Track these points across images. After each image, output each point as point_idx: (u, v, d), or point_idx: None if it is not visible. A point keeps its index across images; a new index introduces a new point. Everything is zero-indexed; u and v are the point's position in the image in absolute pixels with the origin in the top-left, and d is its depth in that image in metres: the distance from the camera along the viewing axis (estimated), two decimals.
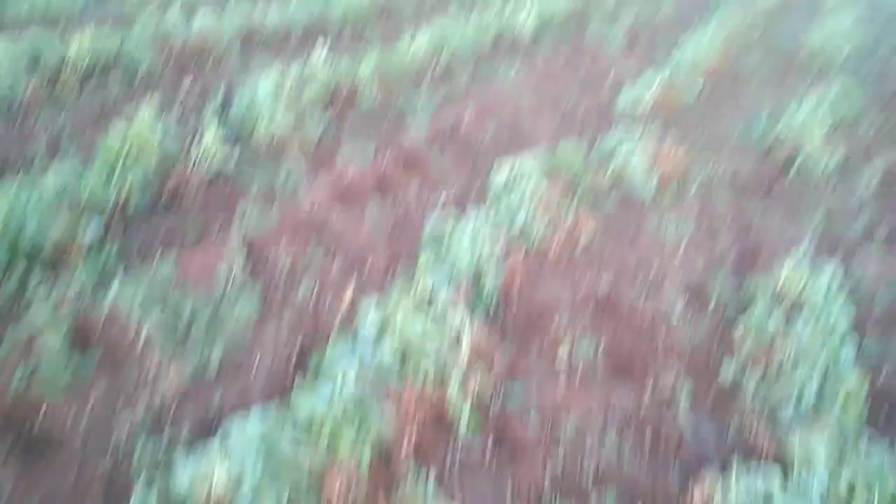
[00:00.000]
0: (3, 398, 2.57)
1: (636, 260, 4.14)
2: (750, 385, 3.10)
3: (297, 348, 3.14)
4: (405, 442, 2.62)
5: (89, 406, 2.67)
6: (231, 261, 3.46)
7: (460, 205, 4.40)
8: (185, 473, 2.25)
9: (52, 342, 2.74)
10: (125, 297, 3.06)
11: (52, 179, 3.71)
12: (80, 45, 5.36)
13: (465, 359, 2.91)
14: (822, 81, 7.68)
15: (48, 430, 2.57)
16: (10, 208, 3.32)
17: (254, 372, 2.98)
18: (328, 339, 3.14)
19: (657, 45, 8.73)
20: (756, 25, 10.87)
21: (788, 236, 4.54)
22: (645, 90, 6.52)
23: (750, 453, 2.76)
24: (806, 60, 8.74)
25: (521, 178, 4.52)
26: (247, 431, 2.37)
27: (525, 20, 8.08)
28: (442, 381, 2.83)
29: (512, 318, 3.48)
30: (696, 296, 3.90)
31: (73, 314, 2.94)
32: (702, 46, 8.12)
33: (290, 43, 6.83)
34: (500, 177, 4.57)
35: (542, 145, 5.16)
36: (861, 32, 10.01)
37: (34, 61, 5.19)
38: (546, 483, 2.67)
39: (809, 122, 6.09)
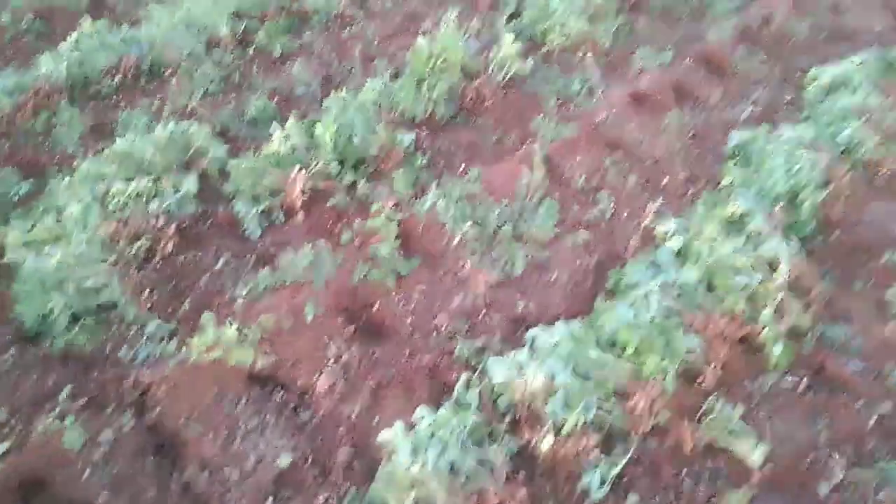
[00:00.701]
0: (346, 291, 2.98)
1: None
2: None
3: (595, 264, 3.17)
4: (711, 368, 2.57)
5: (413, 303, 2.99)
6: (530, 173, 3.54)
7: (771, 115, 3.99)
8: (500, 373, 2.45)
9: (383, 246, 3.09)
10: (439, 206, 3.29)
11: (370, 94, 4.07)
12: None
13: (780, 289, 2.72)
14: None
15: (380, 321, 2.94)
16: (339, 123, 3.72)
17: (554, 284, 3.09)
18: (626, 257, 3.14)
19: None
20: None
21: None
22: None
23: None
24: None
25: (846, 86, 3.96)
26: (554, 341, 2.49)
27: None
28: (753, 311, 2.69)
29: (833, 248, 3.15)
30: None
31: (397, 220, 3.25)
32: None
33: None
34: (819, 84, 4.05)
35: (870, 47, 4.41)
36: None
37: None
38: (867, 429, 2.47)
39: None
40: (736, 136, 3.64)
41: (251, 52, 4.83)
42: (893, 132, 3.63)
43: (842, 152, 3.55)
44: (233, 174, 3.52)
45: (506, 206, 3.39)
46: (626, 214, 3.47)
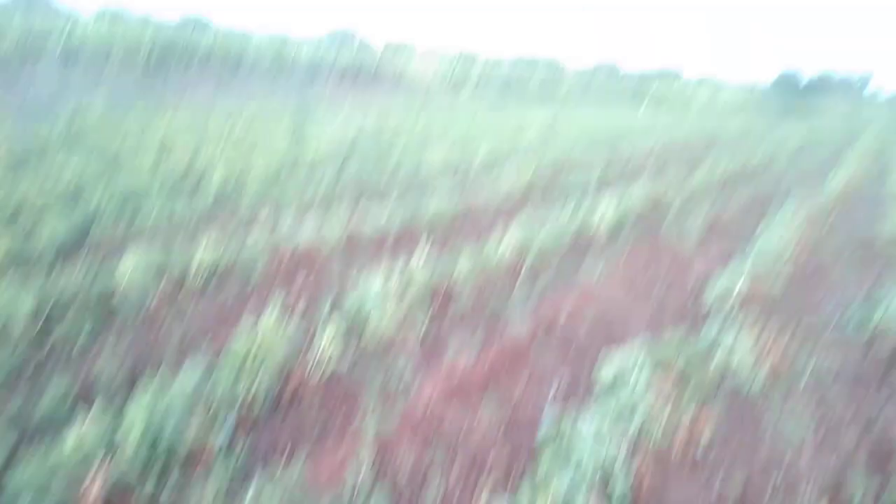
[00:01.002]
0: None
1: (763, 459, 3.98)
2: None
3: None
4: None
5: None
6: (357, 462, 3.47)
7: (571, 399, 4.40)
8: None
9: None
10: (260, 501, 3.07)
11: (184, 382, 3.91)
12: (202, 251, 5.87)
13: None
14: None
15: None
16: (150, 412, 3.49)
17: None
18: None
19: (735, 238, 9.00)
20: (826, 213, 11.19)
21: None
22: (732, 282, 6.63)
23: None
24: (885, 249, 8.82)
25: (629, 371, 4.55)
26: None
27: (601, 219, 8.49)
28: None
29: None
30: (835, 498, 3.68)
31: None
32: (779, 237, 8.36)
33: (387, 246, 7.30)
34: (606, 371, 4.61)
35: (640, 338, 5.23)
36: None
37: (161, 268, 5.67)
38: None
39: None
40: (546, 420, 3.94)
41: (51, 343, 4.51)
42: (674, 412, 4.14)
43: (639, 432, 3.95)
44: (12, 482, 3.03)
45: (334, 497, 3.23)
46: (456, 499, 3.45)
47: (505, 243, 6.99)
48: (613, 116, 32.43)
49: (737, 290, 6.48)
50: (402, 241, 7.55)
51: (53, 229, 6.16)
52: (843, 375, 5.18)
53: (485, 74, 40.72)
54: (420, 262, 6.02)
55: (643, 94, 48.87)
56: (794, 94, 72.77)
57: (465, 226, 8.49)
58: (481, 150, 14.65)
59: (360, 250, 7.06)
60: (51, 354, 4.44)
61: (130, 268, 5.44)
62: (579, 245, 7.97)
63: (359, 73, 31.69)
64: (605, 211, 8.82)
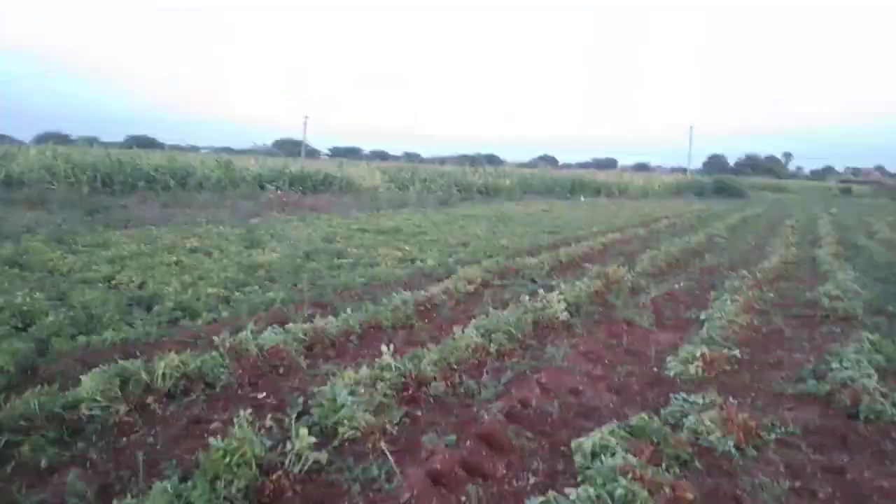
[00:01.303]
0: None
1: None
2: None
3: None
4: None
5: None
6: None
7: (552, 483, 4.40)
8: None
9: None
10: None
11: (158, 498, 3.79)
12: (163, 366, 5.77)
13: None
14: (852, 330, 8.12)
15: None
16: None
17: None
18: None
19: (689, 310, 9.33)
20: (770, 281, 11.76)
21: (883, 485, 4.47)
22: (689, 356, 6.84)
23: None
24: (829, 307, 9.30)
25: (605, 451, 4.59)
26: None
27: (557, 305, 8.70)
28: None
29: None
30: None
31: None
32: (731, 305, 8.73)
33: (351, 345, 7.32)
34: (583, 451, 4.65)
35: (611, 417, 5.32)
36: (865, 287, 10.97)
37: (123, 384, 5.54)
38: None
39: (857, 368, 6.33)
40: None
41: (11, 466, 4.33)
42: (653, 488, 4.18)
43: None
44: None
45: None
46: None
47: (467, 333, 7.09)
48: (556, 206, 33.60)
49: (694, 363, 6.68)
50: (367, 338, 7.58)
51: (9, 350, 6.01)
52: (807, 436, 5.33)
53: (431, 173, 41.94)
54: (388, 358, 6.05)
55: (583, 184, 50.89)
56: (723, 174, 76.87)
57: (426, 320, 8.59)
58: (433, 246, 14.97)
59: (327, 351, 7.05)
60: (13, 476, 4.25)
61: (92, 383, 5.30)
62: (540, 331, 8.13)
63: (306, 180, 32.27)
64: (562, 295, 9.06)
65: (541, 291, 9.19)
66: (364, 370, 5.79)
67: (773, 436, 5.26)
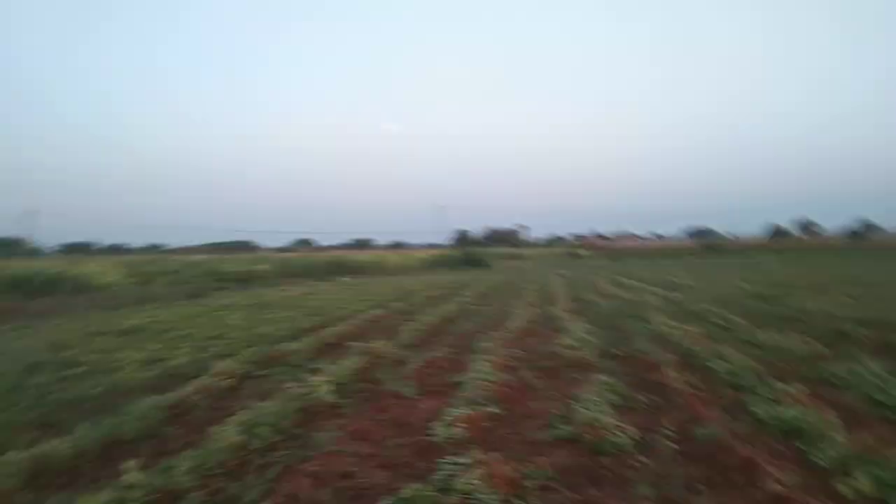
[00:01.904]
0: None
1: None
2: None
3: None
4: None
5: None
6: None
7: None
8: None
9: None
10: None
11: None
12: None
13: None
14: (590, 374, 9.06)
15: None
16: None
17: None
18: None
19: (444, 380, 9.66)
20: (518, 339, 12.73)
21: None
22: (453, 420, 7.08)
23: None
24: (569, 358, 10.30)
25: None
26: None
27: (322, 388, 8.52)
28: None
29: None
30: None
31: None
32: (483, 369, 9.25)
33: (88, 467, 6.39)
34: None
35: (384, 495, 5.26)
36: (596, 335, 12.45)
37: None
38: None
39: (596, 409, 7.04)
40: None
41: None
42: None
43: None
44: None
45: None
46: None
47: (228, 431, 6.61)
48: (318, 288, 33.42)
49: (459, 426, 6.92)
50: (108, 454, 6.69)
51: None
52: (567, 479, 5.73)
53: (181, 264, 39.48)
54: (134, 472, 5.38)
55: (344, 264, 51.47)
56: (470, 247, 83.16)
57: (179, 424, 7.84)
58: (184, 343, 13.91)
59: (56, 479, 6.07)
60: None
61: None
62: (308, 416, 7.86)
63: (29, 282, 28.49)
64: (328, 377, 8.91)
65: (306, 376, 8.93)
66: (106, 494, 5.08)
67: (535, 485, 5.56)
